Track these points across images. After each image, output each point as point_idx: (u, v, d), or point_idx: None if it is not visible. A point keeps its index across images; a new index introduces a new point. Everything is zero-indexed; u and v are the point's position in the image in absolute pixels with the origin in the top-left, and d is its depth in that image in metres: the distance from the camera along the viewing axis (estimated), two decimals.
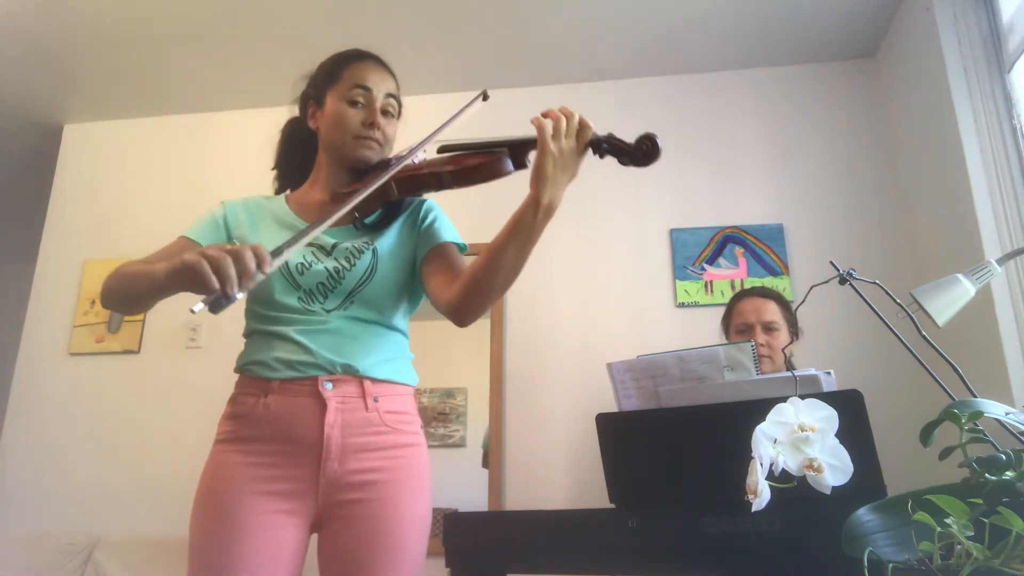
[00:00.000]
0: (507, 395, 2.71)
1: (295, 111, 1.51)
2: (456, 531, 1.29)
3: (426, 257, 1.38)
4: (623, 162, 1.20)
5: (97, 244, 3.18)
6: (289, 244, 1.08)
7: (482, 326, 2.76)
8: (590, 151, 1.19)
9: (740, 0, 2.60)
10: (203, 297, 0.96)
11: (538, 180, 1.13)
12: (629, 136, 1.20)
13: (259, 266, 0.99)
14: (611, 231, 2.84)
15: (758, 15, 2.67)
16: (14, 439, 2.95)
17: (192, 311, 0.95)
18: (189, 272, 0.98)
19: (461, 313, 1.28)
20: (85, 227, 3.23)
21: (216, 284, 0.96)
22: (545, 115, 1.16)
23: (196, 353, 2.94)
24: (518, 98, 3.05)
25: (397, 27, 2.72)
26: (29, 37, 2.81)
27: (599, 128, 1.18)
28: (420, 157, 1.33)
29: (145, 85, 3.12)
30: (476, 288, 1.23)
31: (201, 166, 3.21)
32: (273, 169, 1.52)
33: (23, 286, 3.24)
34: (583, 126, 1.15)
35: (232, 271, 0.97)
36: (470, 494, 2.58)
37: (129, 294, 1.23)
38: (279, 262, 1.05)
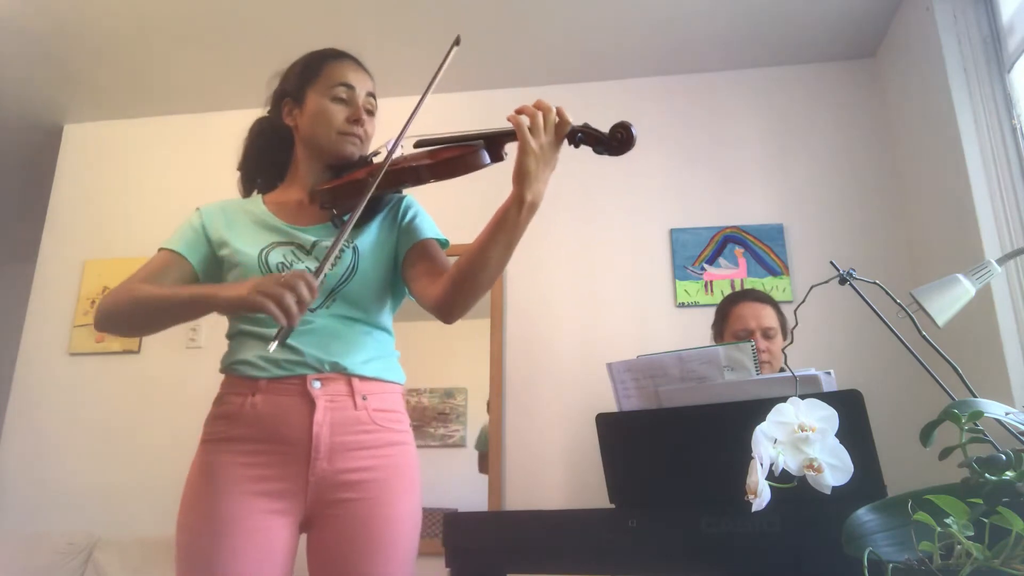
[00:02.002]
0: (507, 395, 2.71)
1: None
2: (456, 531, 1.28)
3: (407, 255, 1.38)
4: (598, 151, 1.19)
5: (97, 244, 3.18)
6: (324, 261, 1.18)
7: (482, 326, 2.76)
8: (565, 141, 1.18)
9: (740, 0, 2.60)
10: (275, 335, 1.09)
11: (521, 178, 1.14)
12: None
13: (311, 292, 1.09)
14: (611, 231, 2.84)
15: (758, 15, 2.67)
16: (14, 439, 2.95)
17: (270, 350, 1.10)
18: (253, 308, 1.10)
19: (447, 310, 1.28)
20: (85, 227, 3.23)
21: (284, 320, 1.07)
22: (520, 111, 1.15)
23: (196, 353, 2.94)
24: (518, 98, 3.04)
25: (397, 27, 2.73)
26: (29, 37, 2.81)
27: (589, 123, 1.18)
28: (397, 153, 1.32)
29: (145, 85, 3.12)
30: (462, 285, 1.24)
31: (201, 166, 3.20)
32: (238, 170, 1.50)
33: (23, 286, 3.24)
34: (561, 119, 1.15)
35: (294, 306, 1.07)
36: (470, 494, 2.58)
37: (144, 318, 1.29)
38: (320, 280, 1.15)
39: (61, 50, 2.89)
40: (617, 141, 1.17)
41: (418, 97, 1.30)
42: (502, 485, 2.59)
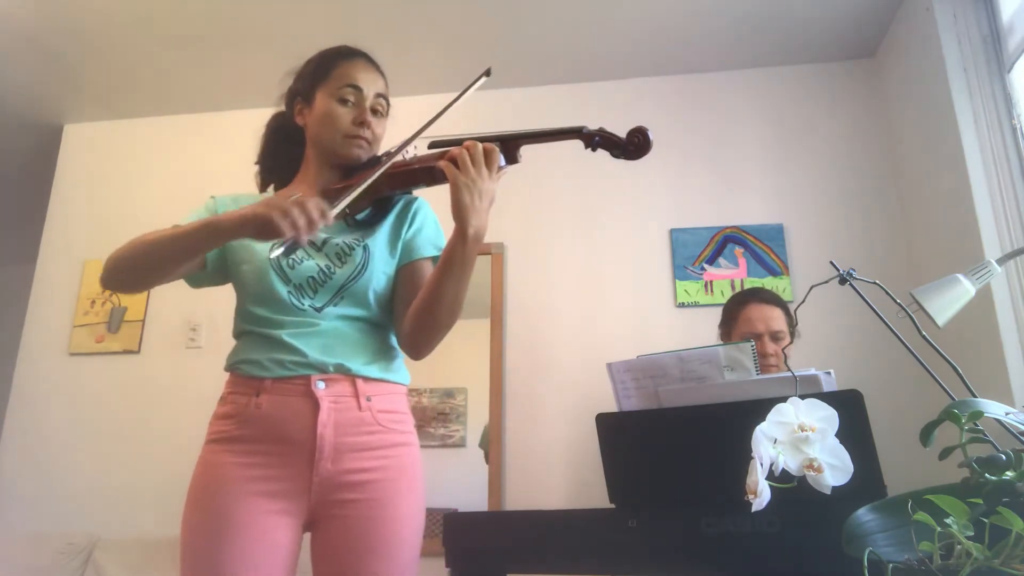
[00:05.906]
0: (507, 395, 2.71)
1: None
2: (456, 531, 1.28)
3: (399, 271, 1.38)
4: (615, 155, 1.23)
5: (97, 244, 3.17)
6: (343, 199, 1.19)
7: (482, 326, 2.76)
8: (582, 145, 1.22)
9: (740, 0, 2.60)
10: (280, 244, 1.08)
11: (458, 213, 1.19)
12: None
13: (322, 216, 1.10)
14: (611, 231, 2.84)
15: (758, 15, 2.67)
16: (14, 439, 2.95)
17: (270, 257, 1.12)
18: (261, 222, 1.08)
19: (412, 348, 1.34)
20: (85, 227, 3.23)
21: (287, 231, 1.06)
22: (448, 157, 1.22)
23: (196, 353, 2.94)
24: (518, 98, 3.05)
25: (397, 27, 2.72)
26: (29, 37, 2.81)
27: (591, 124, 1.20)
28: (411, 153, 1.33)
29: (145, 85, 3.12)
30: (423, 324, 1.29)
31: (201, 166, 3.20)
32: (256, 164, 1.50)
33: (23, 286, 3.24)
34: (488, 151, 1.21)
35: (301, 220, 1.07)
36: (470, 494, 2.58)
37: (149, 261, 1.23)
38: (334, 213, 1.15)
39: (61, 50, 2.89)
40: (634, 146, 1.20)
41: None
42: (502, 485, 2.59)
